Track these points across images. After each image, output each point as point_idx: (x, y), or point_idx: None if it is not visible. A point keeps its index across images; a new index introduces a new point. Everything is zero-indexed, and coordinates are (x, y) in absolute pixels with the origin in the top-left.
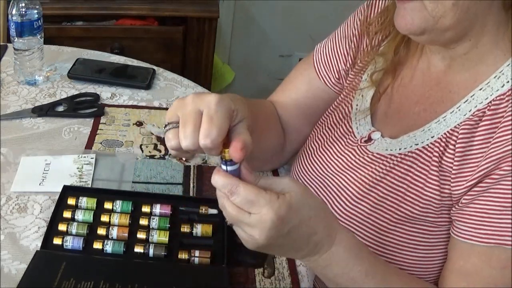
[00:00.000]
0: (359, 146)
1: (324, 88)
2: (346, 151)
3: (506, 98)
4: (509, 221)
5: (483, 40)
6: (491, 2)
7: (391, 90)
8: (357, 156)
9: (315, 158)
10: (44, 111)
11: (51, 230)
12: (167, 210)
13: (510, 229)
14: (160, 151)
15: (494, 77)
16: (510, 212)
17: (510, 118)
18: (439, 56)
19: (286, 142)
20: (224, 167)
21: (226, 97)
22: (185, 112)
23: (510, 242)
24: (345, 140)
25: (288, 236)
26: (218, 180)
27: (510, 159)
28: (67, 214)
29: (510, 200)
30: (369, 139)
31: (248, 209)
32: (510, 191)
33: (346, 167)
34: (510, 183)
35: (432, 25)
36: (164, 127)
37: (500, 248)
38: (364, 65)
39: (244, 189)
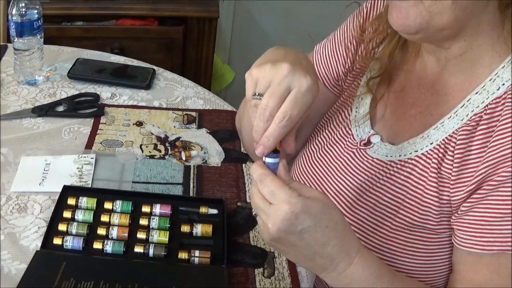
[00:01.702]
0: (358, 149)
1: (324, 89)
2: (345, 154)
3: (502, 101)
4: (510, 227)
5: (478, 40)
6: (487, 2)
7: (388, 95)
8: (356, 160)
9: (314, 161)
10: (44, 111)
11: (51, 230)
12: (167, 210)
13: (511, 235)
14: (160, 151)
15: (490, 80)
16: (510, 218)
17: (506, 121)
18: (435, 58)
19: None
20: (265, 158)
21: (316, 84)
22: (275, 83)
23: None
24: (344, 142)
25: (300, 237)
26: (254, 168)
27: (507, 164)
28: (67, 214)
29: (509, 206)
30: (369, 142)
31: (269, 199)
32: (509, 197)
33: (345, 170)
34: (508, 189)
35: (428, 22)
36: (253, 95)
37: (505, 255)
38: (362, 68)
39: (271, 180)
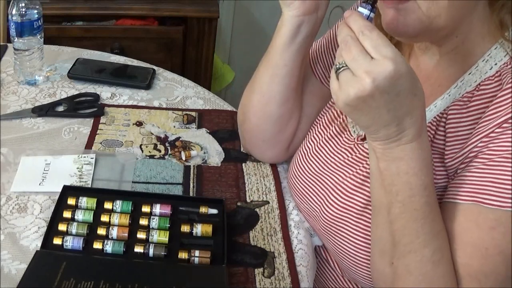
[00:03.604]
0: (356, 145)
1: (319, 85)
2: (343, 149)
3: (495, 79)
4: (490, 180)
5: (470, 35)
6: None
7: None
8: (354, 155)
9: (311, 157)
10: (44, 111)
11: (51, 230)
12: (167, 210)
13: (490, 189)
14: (160, 151)
15: (483, 61)
16: (490, 172)
17: (505, 92)
18: (429, 54)
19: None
20: (364, 11)
21: None
22: None
23: (489, 202)
24: (341, 138)
25: (392, 99)
26: (355, 18)
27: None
28: (67, 214)
29: (492, 162)
30: (366, 137)
31: (372, 53)
32: (495, 154)
33: (343, 164)
34: (495, 144)
35: (427, 26)
36: None
37: (486, 207)
38: None
39: (378, 33)
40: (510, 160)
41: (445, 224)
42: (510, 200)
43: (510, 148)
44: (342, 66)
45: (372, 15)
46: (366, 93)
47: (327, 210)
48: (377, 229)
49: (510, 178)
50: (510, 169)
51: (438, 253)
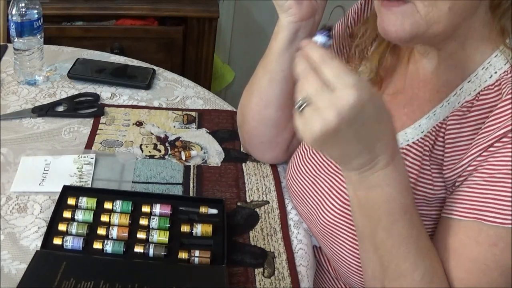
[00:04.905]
0: None
1: None
2: None
3: (495, 89)
4: (490, 196)
5: (470, 39)
6: (479, 3)
7: (381, 96)
8: None
9: (308, 159)
10: (44, 111)
11: (51, 230)
12: (167, 210)
13: (491, 206)
14: (160, 151)
15: (482, 68)
16: (491, 188)
17: (504, 103)
18: (428, 58)
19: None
20: (320, 38)
21: None
22: None
23: (490, 219)
24: None
25: (358, 129)
26: (312, 48)
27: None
28: (67, 214)
29: (493, 178)
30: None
31: (333, 84)
32: (495, 169)
33: (338, 167)
34: (495, 159)
35: (424, 31)
36: None
37: (487, 224)
38: (354, 69)
39: (338, 63)
40: (510, 176)
41: (443, 240)
42: (511, 217)
43: (509, 164)
44: (305, 102)
45: (330, 42)
46: (332, 127)
47: (323, 215)
48: (365, 253)
49: (510, 194)
50: (510, 185)
51: (427, 276)
